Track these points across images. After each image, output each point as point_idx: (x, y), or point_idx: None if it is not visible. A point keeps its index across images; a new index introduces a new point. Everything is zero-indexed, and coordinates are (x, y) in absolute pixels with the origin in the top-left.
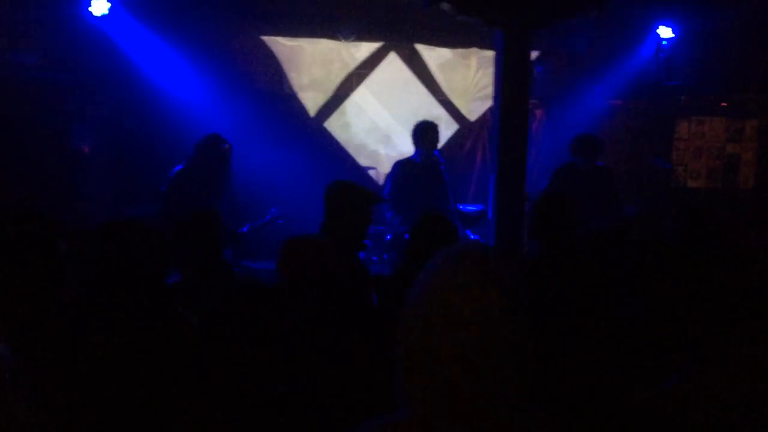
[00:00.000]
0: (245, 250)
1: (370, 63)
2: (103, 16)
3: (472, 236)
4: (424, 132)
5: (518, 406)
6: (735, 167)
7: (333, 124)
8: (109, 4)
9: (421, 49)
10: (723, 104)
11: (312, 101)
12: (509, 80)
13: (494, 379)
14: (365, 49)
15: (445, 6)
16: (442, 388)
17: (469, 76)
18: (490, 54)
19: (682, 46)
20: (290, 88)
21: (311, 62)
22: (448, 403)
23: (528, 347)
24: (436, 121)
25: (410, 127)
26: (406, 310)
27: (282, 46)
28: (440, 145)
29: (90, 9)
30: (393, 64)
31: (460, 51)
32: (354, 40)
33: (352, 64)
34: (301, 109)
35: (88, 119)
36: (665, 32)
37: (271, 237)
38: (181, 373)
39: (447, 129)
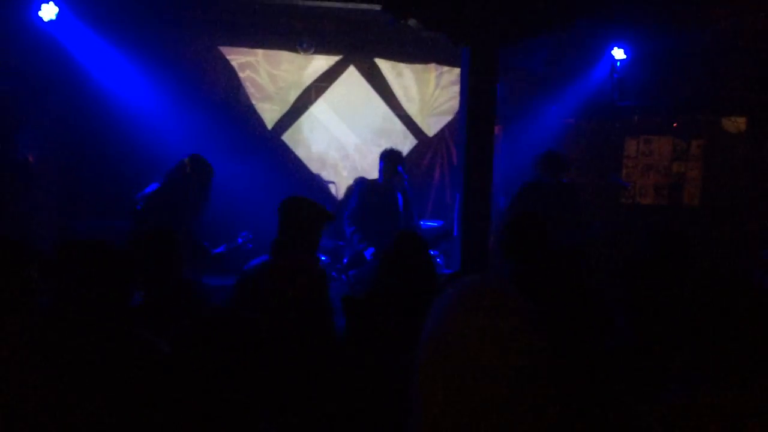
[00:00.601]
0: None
1: (329, 76)
2: (52, 22)
3: (432, 252)
4: (390, 159)
5: None
6: (681, 185)
7: (291, 137)
8: (57, 9)
9: (381, 63)
10: (674, 124)
11: (269, 113)
12: (475, 98)
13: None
14: (324, 62)
15: (412, 22)
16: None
17: (428, 92)
18: (448, 70)
19: (635, 67)
20: (247, 99)
21: (269, 74)
22: None
23: (557, 379)
24: (394, 136)
25: (369, 140)
26: (427, 347)
27: (239, 56)
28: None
29: (39, 14)
30: (352, 78)
31: (419, 66)
32: (313, 53)
33: (311, 77)
34: (258, 121)
35: (33, 127)
36: (619, 54)
37: (241, 256)
38: (149, 401)
39: (405, 144)
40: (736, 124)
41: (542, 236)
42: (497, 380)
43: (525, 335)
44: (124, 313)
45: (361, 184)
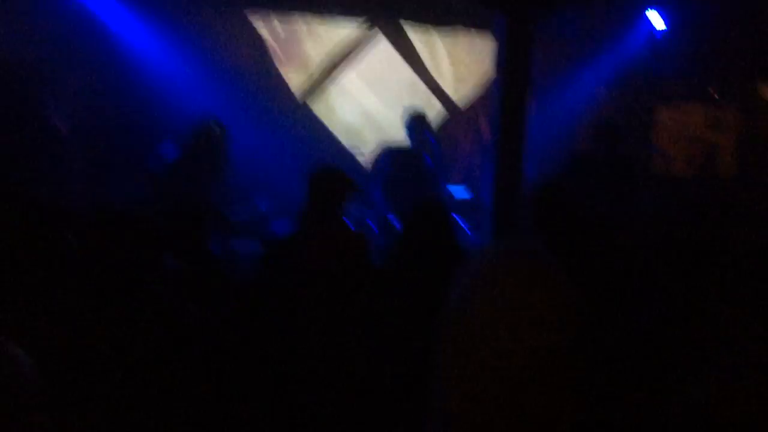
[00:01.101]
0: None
1: (357, 44)
2: None
3: (460, 222)
4: (412, 119)
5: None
6: (714, 155)
7: (319, 107)
8: None
9: (411, 32)
10: (711, 91)
11: (297, 82)
12: (511, 69)
13: (559, 396)
14: (352, 29)
15: None
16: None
17: (457, 61)
18: (479, 38)
19: (672, 34)
20: (276, 68)
21: (296, 41)
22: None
23: (591, 356)
24: (423, 106)
25: (397, 110)
26: (451, 318)
27: (268, 23)
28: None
29: None
30: (381, 47)
31: (448, 32)
32: (338, 15)
33: (339, 45)
34: (285, 90)
35: (63, 96)
36: (656, 19)
37: (258, 222)
38: (187, 368)
39: (435, 115)
40: None
41: (568, 207)
42: (529, 354)
43: (561, 307)
44: (157, 279)
45: (387, 150)
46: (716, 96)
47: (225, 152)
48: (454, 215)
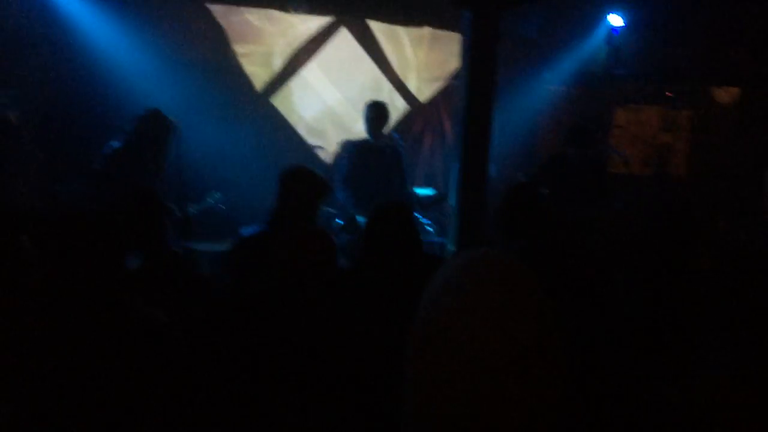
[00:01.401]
0: (187, 231)
1: (320, 38)
2: None
3: (423, 220)
4: (374, 113)
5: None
6: (667, 156)
7: (280, 100)
8: None
9: (374, 25)
10: (668, 94)
11: (258, 75)
12: (476, 64)
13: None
14: (315, 23)
15: None
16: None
17: (421, 56)
18: (443, 33)
19: (629, 35)
20: (235, 60)
21: (258, 34)
22: None
23: (565, 359)
24: (386, 101)
25: (360, 105)
26: (422, 326)
27: (228, 14)
28: (390, 125)
29: None
30: (344, 40)
31: (413, 30)
32: (304, 13)
33: (302, 39)
34: (246, 83)
35: (15, 85)
36: (616, 20)
37: (211, 218)
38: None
39: (397, 109)
40: (730, 93)
41: (538, 209)
42: (503, 358)
43: (534, 311)
44: (121, 282)
45: (349, 145)
46: (672, 98)
47: (169, 144)
48: (418, 214)
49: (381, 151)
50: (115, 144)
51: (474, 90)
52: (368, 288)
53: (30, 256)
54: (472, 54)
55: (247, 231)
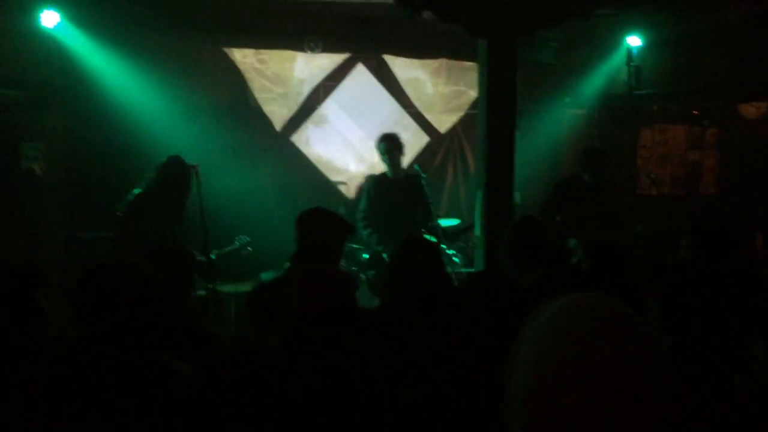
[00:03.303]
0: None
1: (337, 75)
2: (55, 29)
3: (449, 251)
4: (386, 146)
5: None
6: (697, 174)
7: (300, 138)
8: (58, 16)
9: (390, 60)
10: (694, 112)
11: (277, 115)
12: (495, 92)
13: None
14: (332, 60)
15: (426, 15)
16: None
17: (438, 88)
18: (459, 64)
19: (650, 55)
20: (254, 101)
21: (276, 74)
22: None
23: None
24: (405, 133)
25: None
26: (535, 374)
27: (245, 57)
28: (411, 157)
29: (40, 21)
30: (361, 76)
31: (429, 62)
32: (320, 51)
33: (319, 76)
34: (266, 123)
35: (39, 137)
36: (635, 41)
37: (238, 260)
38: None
39: (418, 142)
40: (757, 108)
41: (545, 239)
42: (625, 401)
43: (648, 353)
44: (154, 341)
45: (370, 181)
46: (698, 116)
47: (190, 189)
48: (443, 245)
49: (400, 184)
50: (138, 191)
51: (494, 117)
52: (397, 326)
53: (41, 308)
54: (490, 82)
55: (267, 275)
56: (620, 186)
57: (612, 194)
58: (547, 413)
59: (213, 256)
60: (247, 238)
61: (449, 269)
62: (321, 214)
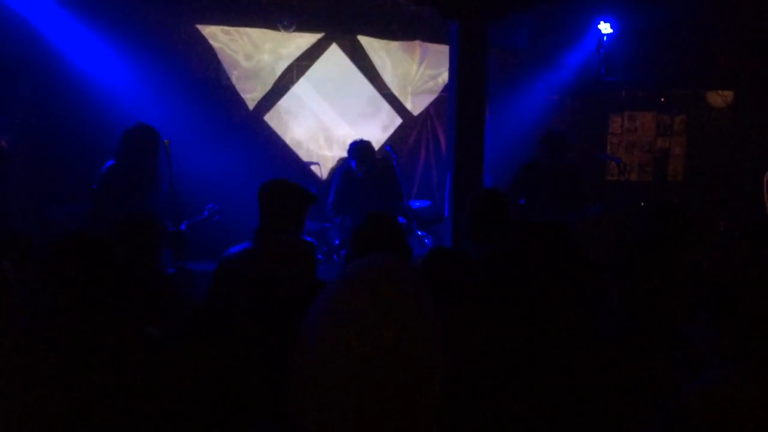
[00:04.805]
0: (182, 250)
1: (311, 54)
2: (20, 1)
3: (419, 233)
4: (360, 152)
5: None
6: (665, 161)
7: (273, 118)
8: None
9: (363, 40)
10: (662, 99)
11: (250, 94)
12: (465, 74)
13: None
14: (306, 40)
15: None
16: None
17: (412, 69)
18: (433, 47)
19: (620, 42)
20: (227, 79)
21: (249, 53)
22: None
23: (437, 376)
24: (378, 114)
25: (352, 120)
26: (302, 330)
27: (218, 35)
28: (383, 139)
29: None
30: (334, 56)
31: (403, 44)
32: (294, 30)
33: (292, 56)
34: (239, 101)
35: (6, 110)
36: (605, 28)
37: (208, 236)
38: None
39: (391, 124)
40: (723, 97)
41: (506, 215)
42: (368, 359)
43: (408, 318)
44: (123, 307)
45: (340, 171)
46: (666, 103)
47: (159, 155)
48: (414, 227)
49: (369, 174)
50: (108, 163)
51: (464, 100)
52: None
53: (9, 278)
54: (460, 64)
55: (233, 249)
56: (583, 170)
57: (571, 177)
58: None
59: (183, 227)
60: (216, 206)
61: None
62: (281, 185)
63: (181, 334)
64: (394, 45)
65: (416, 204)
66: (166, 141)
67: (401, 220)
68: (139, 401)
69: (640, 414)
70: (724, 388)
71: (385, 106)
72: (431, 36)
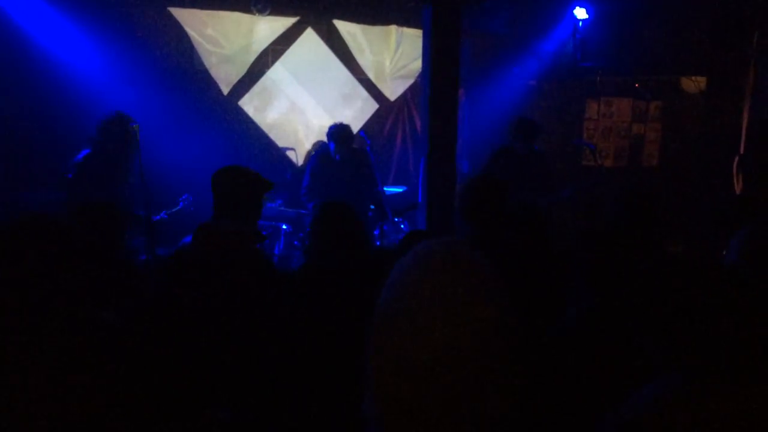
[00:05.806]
0: (159, 238)
1: (286, 38)
2: None
3: (395, 219)
4: (339, 138)
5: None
6: (640, 147)
7: (248, 103)
8: None
9: (339, 25)
10: (636, 85)
11: (225, 78)
12: (438, 59)
13: (483, 398)
14: (281, 23)
15: None
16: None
17: (388, 55)
18: (409, 32)
19: (597, 27)
20: (201, 64)
21: (223, 37)
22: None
23: (519, 359)
24: (354, 100)
25: (329, 105)
26: (380, 316)
27: (191, 18)
28: (359, 124)
29: None
30: (310, 40)
31: (379, 28)
32: (269, 14)
33: (267, 40)
34: (213, 86)
35: None
36: (581, 13)
37: (182, 224)
38: (97, 372)
39: (366, 109)
40: (697, 83)
41: (502, 200)
42: (461, 341)
43: (483, 302)
44: (79, 292)
45: (315, 156)
46: (640, 89)
47: (134, 148)
48: (388, 213)
49: (344, 161)
50: (84, 152)
51: (437, 85)
52: (315, 287)
53: None
54: (433, 49)
55: (187, 238)
56: (559, 154)
57: (542, 162)
58: (392, 345)
59: (166, 216)
60: (190, 198)
61: (396, 236)
62: (232, 171)
63: (135, 320)
64: (371, 30)
65: (392, 190)
66: (135, 125)
67: (371, 207)
68: (89, 383)
69: (602, 405)
70: (671, 401)
71: (362, 92)
72: (408, 21)
